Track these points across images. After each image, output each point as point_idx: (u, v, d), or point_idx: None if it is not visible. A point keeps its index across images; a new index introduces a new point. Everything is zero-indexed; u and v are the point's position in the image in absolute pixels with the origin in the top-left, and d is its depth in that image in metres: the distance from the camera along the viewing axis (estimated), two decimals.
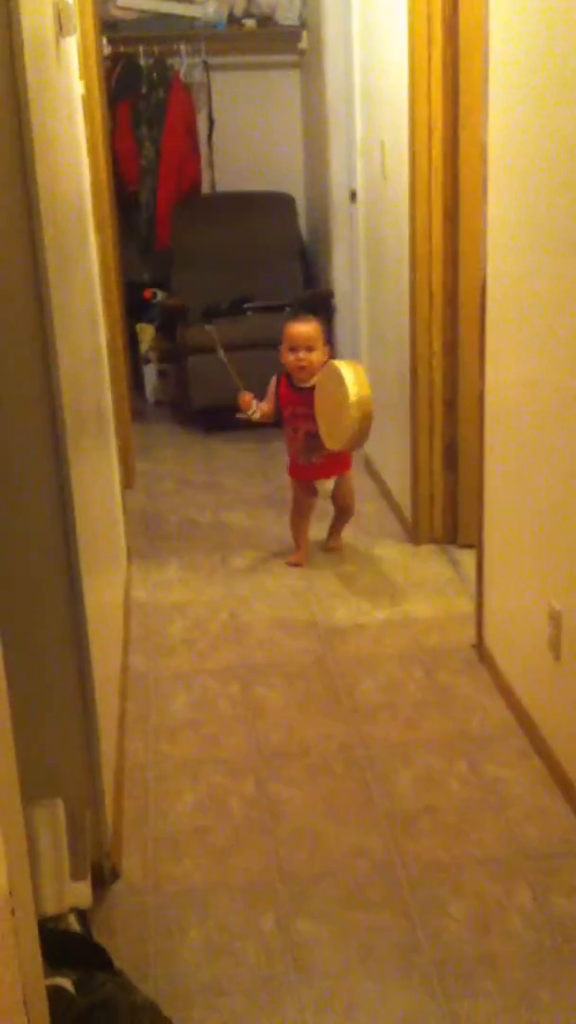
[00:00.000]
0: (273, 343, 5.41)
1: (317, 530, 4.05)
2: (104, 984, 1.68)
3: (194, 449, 5.35)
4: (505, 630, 3.01)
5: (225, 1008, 1.98)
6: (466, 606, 3.45)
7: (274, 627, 3.45)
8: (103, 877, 2.28)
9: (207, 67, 6.04)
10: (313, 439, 3.70)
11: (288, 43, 5.97)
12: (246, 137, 6.14)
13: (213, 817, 2.52)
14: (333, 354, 3.87)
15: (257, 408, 3.84)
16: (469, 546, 3.69)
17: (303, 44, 5.89)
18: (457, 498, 3.93)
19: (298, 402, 3.74)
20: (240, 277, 5.77)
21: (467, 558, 3.72)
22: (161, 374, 6.08)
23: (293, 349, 3.74)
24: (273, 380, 3.87)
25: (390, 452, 4.38)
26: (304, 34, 5.85)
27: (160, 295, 5.98)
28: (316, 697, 3.04)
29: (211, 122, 6.13)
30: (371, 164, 4.45)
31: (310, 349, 3.71)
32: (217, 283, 5.75)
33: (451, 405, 3.86)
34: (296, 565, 3.89)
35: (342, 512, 4.01)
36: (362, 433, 3.47)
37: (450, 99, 3.57)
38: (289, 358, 3.75)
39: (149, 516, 4.48)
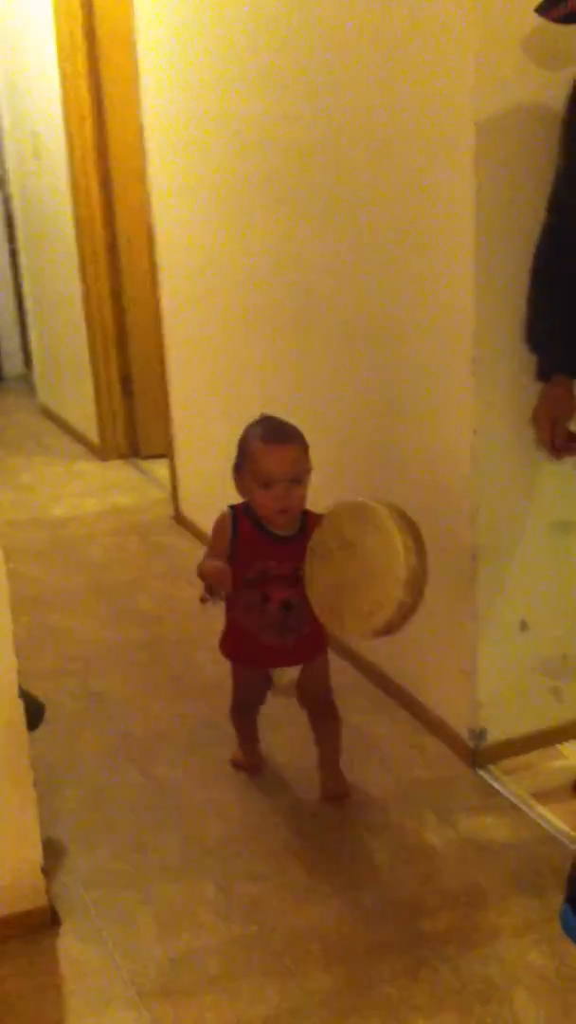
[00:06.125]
0: None
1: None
2: None
3: None
4: (198, 502, 3.92)
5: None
6: (159, 494, 4.35)
7: (3, 524, 4.19)
8: None
9: None
10: (291, 611, 2.26)
11: None
12: None
13: None
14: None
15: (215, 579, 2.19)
16: (152, 456, 4.65)
17: None
18: (135, 419, 4.82)
19: (272, 556, 2.25)
20: None
21: (151, 465, 4.66)
22: None
23: (267, 485, 2.18)
24: (225, 518, 2.28)
25: (68, 388, 5.19)
26: None
27: None
28: (55, 564, 3.81)
29: None
30: (23, 150, 5.21)
31: (296, 481, 2.19)
32: None
33: (121, 344, 4.74)
34: (241, 768, 2.55)
35: (323, 715, 2.45)
36: (402, 619, 2.03)
37: (95, 93, 4.44)
38: (262, 499, 2.20)
39: None
